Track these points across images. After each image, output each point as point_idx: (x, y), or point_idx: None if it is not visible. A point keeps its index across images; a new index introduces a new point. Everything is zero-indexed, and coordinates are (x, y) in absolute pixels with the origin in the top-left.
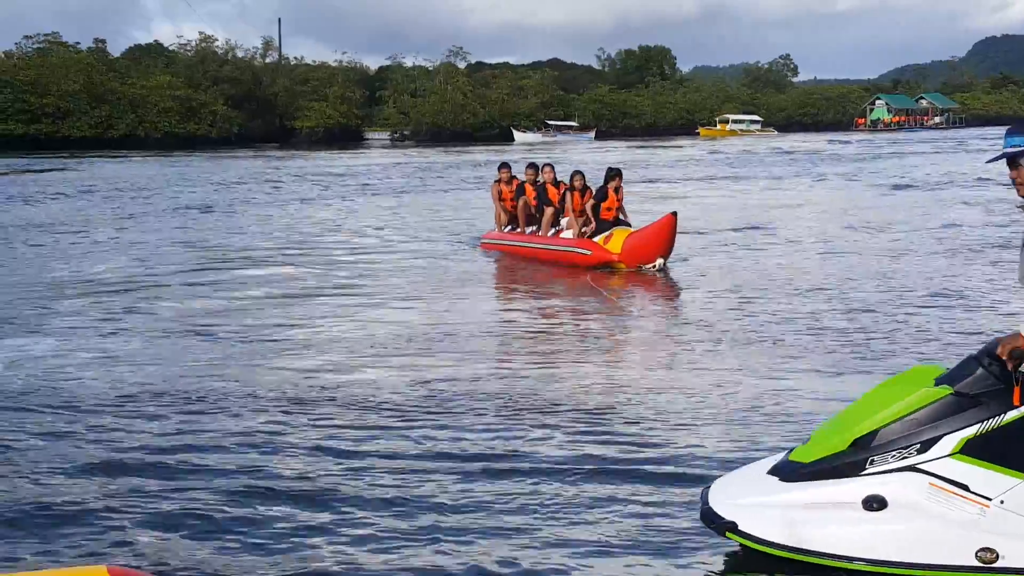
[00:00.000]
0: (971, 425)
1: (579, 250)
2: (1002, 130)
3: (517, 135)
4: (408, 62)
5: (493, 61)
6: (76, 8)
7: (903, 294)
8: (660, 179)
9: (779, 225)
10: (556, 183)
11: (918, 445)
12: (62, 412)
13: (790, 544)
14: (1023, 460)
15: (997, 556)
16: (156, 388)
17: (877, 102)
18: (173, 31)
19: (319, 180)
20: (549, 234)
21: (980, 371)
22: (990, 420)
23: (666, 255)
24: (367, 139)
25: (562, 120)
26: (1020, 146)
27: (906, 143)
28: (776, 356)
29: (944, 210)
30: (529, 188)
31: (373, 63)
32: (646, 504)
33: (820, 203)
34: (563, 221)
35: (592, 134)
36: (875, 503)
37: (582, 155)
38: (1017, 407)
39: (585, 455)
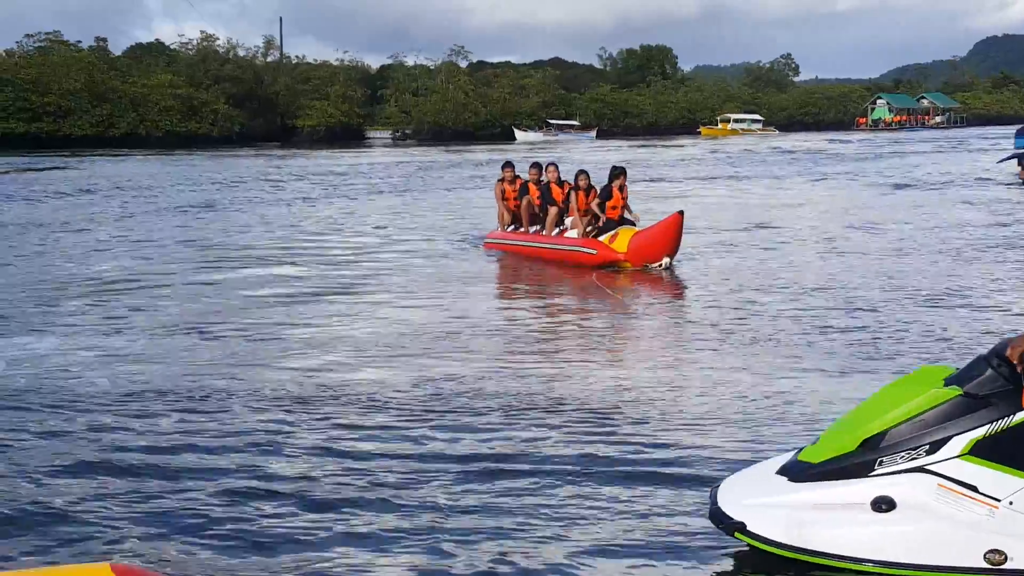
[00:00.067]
0: (980, 426)
1: (585, 249)
2: (1003, 130)
3: (518, 134)
4: (410, 61)
5: (495, 60)
6: (77, 7)
7: (908, 294)
8: (662, 178)
9: (782, 224)
10: (560, 182)
11: (927, 446)
12: (64, 411)
13: (798, 545)
14: None
15: (1006, 558)
16: (158, 387)
17: (878, 102)
18: (174, 30)
19: (321, 179)
20: (553, 234)
21: (989, 372)
22: (999, 421)
23: (672, 254)
24: (368, 138)
25: (563, 119)
26: None
27: (907, 143)
28: (782, 356)
29: (946, 209)
30: (533, 187)
31: (375, 62)
32: (652, 504)
33: (822, 202)
34: (567, 221)
35: (593, 133)
36: (884, 504)
37: (583, 154)
38: None
39: (590, 455)
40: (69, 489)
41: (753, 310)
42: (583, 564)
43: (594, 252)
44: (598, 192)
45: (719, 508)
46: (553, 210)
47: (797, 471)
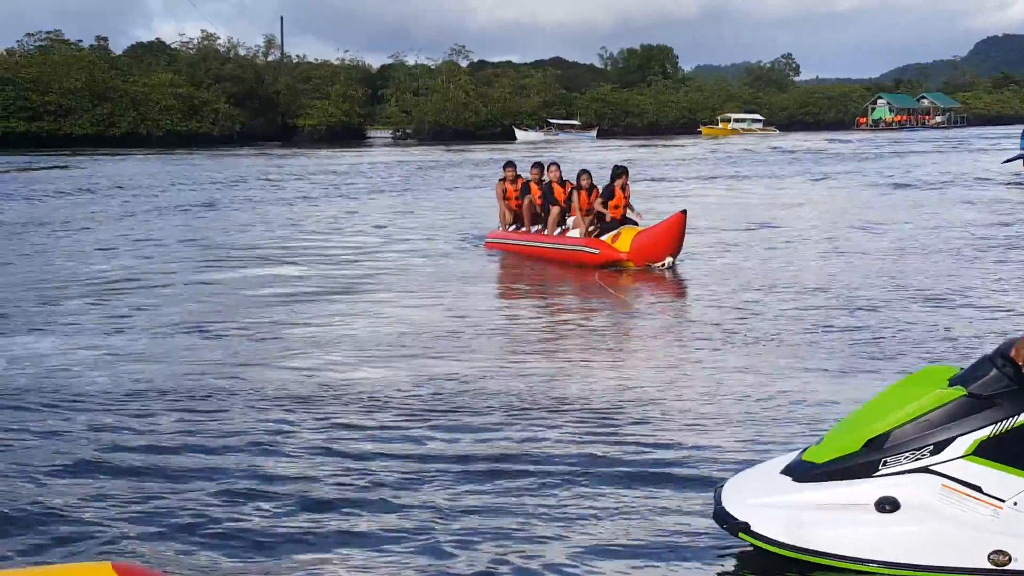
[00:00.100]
0: (985, 427)
1: (587, 249)
2: (1003, 130)
3: (519, 134)
4: (410, 60)
5: (495, 60)
6: (78, 6)
7: (909, 293)
8: (663, 178)
9: (783, 224)
10: (562, 182)
11: (931, 446)
12: (64, 410)
13: (802, 545)
14: None
15: (1010, 559)
16: (159, 386)
17: (879, 101)
18: (175, 29)
19: (322, 178)
20: (555, 233)
21: (994, 372)
22: (1004, 421)
23: (675, 254)
24: (369, 137)
25: (564, 119)
26: None
27: (907, 142)
28: (784, 355)
29: (946, 209)
30: (534, 187)
31: (375, 61)
32: (655, 504)
33: (822, 202)
34: (569, 220)
35: (594, 133)
36: (888, 505)
37: (584, 154)
38: None
39: (592, 454)
40: (69, 489)
41: (755, 310)
42: (584, 564)
43: (597, 252)
44: (600, 192)
45: (723, 508)
46: (555, 210)
47: (801, 471)
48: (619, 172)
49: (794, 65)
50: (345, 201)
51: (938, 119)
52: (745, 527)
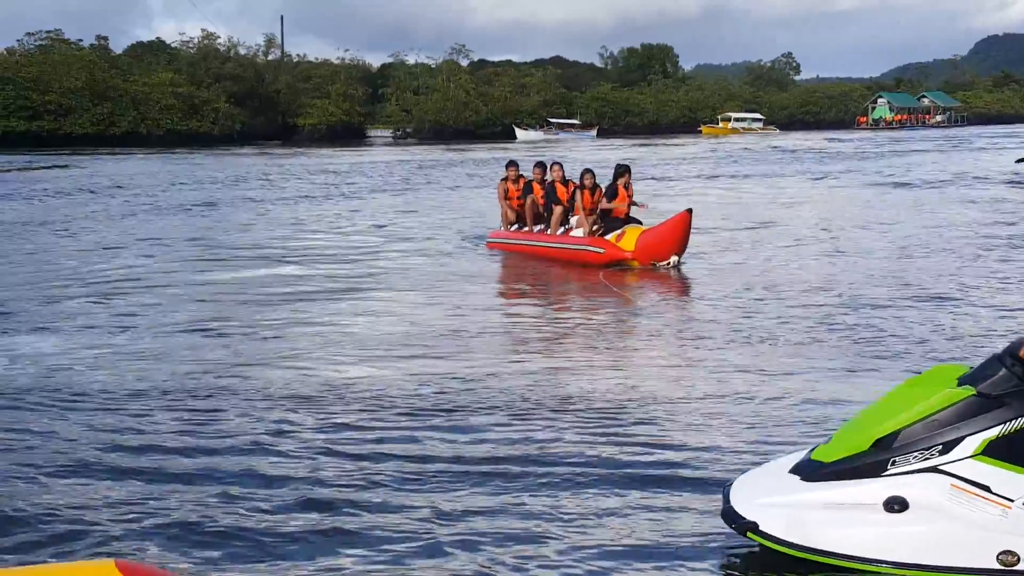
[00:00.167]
0: (994, 426)
1: (592, 248)
2: (1003, 129)
3: (519, 133)
4: (411, 59)
5: (496, 59)
6: (78, 6)
7: (914, 292)
8: (664, 177)
9: (785, 223)
10: (565, 181)
11: (940, 446)
12: (65, 409)
13: (810, 545)
14: None
15: (1019, 559)
16: (160, 386)
17: (879, 100)
18: (175, 28)
19: (322, 178)
20: (558, 233)
21: (1003, 372)
22: (1013, 421)
23: (680, 253)
24: (369, 137)
25: (564, 118)
26: None
27: (908, 141)
28: (790, 354)
29: (947, 208)
30: (536, 187)
31: (376, 60)
32: (662, 504)
33: (823, 201)
34: (572, 220)
35: (594, 132)
36: (896, 504)
37: (584, 153)
38: None
39: (597, 454)
40: (70, 488)
41: (759, 309)
42: (588, 564)
43: (602, 251)
44: (604, 191)
45: (731, 507)
46: (558, 209)
47: (810, 470)
48: (622, 171)
49: (794, 64)
50: (346, 200)
51: (938, 118)
52: (753, 527)
